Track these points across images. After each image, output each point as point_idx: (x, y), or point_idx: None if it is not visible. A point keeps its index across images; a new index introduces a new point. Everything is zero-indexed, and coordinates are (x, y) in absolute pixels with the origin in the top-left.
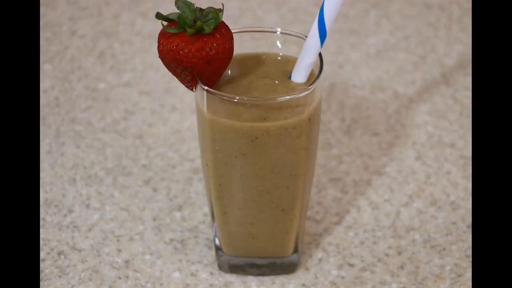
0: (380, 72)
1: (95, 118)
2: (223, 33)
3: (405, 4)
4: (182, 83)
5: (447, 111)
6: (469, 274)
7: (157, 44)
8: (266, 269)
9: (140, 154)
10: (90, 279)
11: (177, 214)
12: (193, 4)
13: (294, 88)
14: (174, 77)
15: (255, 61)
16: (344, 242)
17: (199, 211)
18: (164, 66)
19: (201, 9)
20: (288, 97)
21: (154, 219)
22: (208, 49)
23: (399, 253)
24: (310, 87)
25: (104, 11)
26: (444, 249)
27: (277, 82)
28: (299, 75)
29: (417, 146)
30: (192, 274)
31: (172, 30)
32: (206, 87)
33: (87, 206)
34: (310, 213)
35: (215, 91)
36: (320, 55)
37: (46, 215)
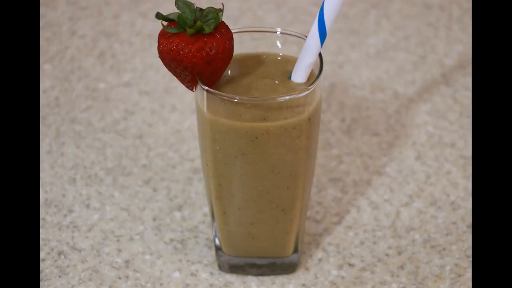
0: (380, 72)
1: (95, 118)
2: (223, 33)
3: (405, 4)
4: (182, 83)
5: (447, 111)
6: (469, 274)
7: (157, 44)
8: (266, 269)
9: (140, 154)
10: (90, 279)
11: (177, 214)
12: (193, 4)
13: (294, 88)
14: (174, 77)
15: (255, 61)
16: (344, 242)
17: (199, 211)
18: (164, 66)
19: (201, 9)
20: (288, 97)
21: (154, 219)
22: (208, 49)
23: (399, 253)
24: (310, 87)
25: (104, 11)
26: (444, 249)
27: (277, 82)
28: (299, 75)
29: (417, 146)
30: (192, 274)
31: (172, 30)
32: (206, 87)
33: (87, 206)
34: (310, 213)
35: (215, 91)
36: (320, 55)
37: (46, 215)
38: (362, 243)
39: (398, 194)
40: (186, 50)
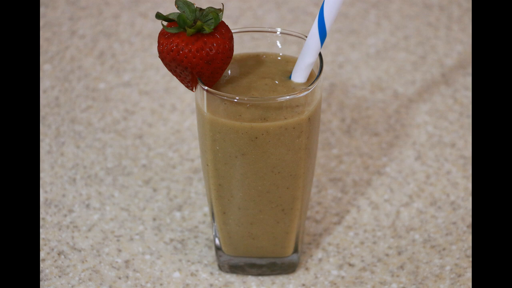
0: (380, 72)
1: (95, 118)
2: (223, 33)
3: (405, 4)
4: (182, 83)
5: (447, 111)
6: (469, 274)
7: (157, 44)
8: (266, 269)
9: (140, 154)
10: (90, 279)
11: (177, 214)
12: (193, 4)
13: (294, 88)
14: (174, 77)
15: (255, 61)
16: (344, 242)
17: (199, 211)
18: (164, 66)
19: (201, 9)
20: (288, 97)
21: (154, 219)
22: (208, 49)
23: (399, 253)
24: (310, 87)
25: (104, 11)
26: (444, 249)
27: (277, 82)
28: (299, 75)
29: (417, 146)
30: (192, 274)
31: (172, 30)
32: (206, 87)
33: (87, 206)
34: (310, 213)
35: (215, 91)
36: (320, 55)
37: (46, 215)
38: (362, 243)
39: (398, 194)
40: (186, 50)
